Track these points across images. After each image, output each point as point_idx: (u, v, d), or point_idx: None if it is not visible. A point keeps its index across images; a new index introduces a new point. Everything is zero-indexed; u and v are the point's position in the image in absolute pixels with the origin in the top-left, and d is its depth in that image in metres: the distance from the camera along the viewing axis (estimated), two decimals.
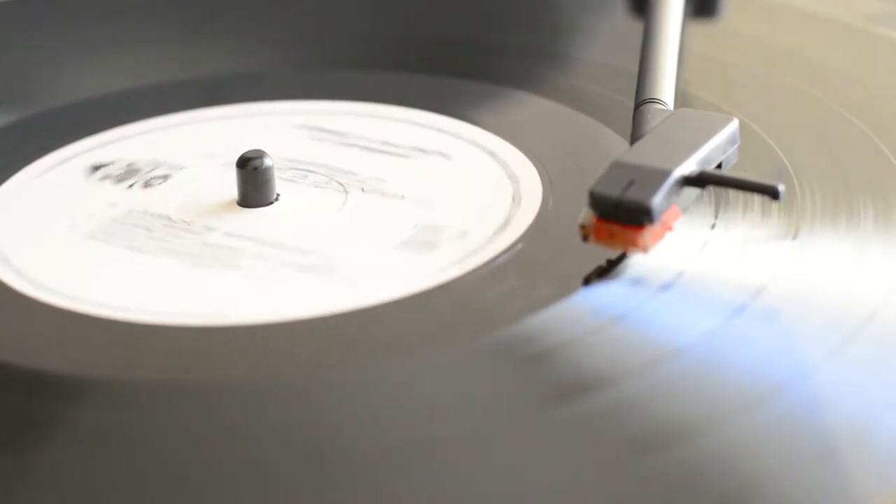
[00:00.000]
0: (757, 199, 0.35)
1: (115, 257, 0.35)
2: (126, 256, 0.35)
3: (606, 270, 0.33)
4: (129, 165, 0.40)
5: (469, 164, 0.39)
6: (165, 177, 0.39)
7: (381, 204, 0.37)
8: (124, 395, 0.30)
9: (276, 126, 0.41)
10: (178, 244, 0.35)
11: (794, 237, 0.34)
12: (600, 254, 0.33)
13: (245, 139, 0.40)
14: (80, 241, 0.36)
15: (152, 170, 0.39)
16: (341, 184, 0.38)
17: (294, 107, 0.43)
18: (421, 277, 0.33)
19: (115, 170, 0.39)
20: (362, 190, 0.38)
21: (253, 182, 0.37)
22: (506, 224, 0.35)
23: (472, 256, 0.34)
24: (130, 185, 0.38)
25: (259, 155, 0.37)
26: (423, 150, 0.40)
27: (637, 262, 0.33)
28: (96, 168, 0.40)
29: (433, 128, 0.41)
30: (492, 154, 0.39)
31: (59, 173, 0.40)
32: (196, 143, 0.41)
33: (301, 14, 0.49)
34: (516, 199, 0.36)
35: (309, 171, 0.39)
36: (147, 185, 0.38)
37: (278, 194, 0.37)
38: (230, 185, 0.37)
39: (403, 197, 0.37)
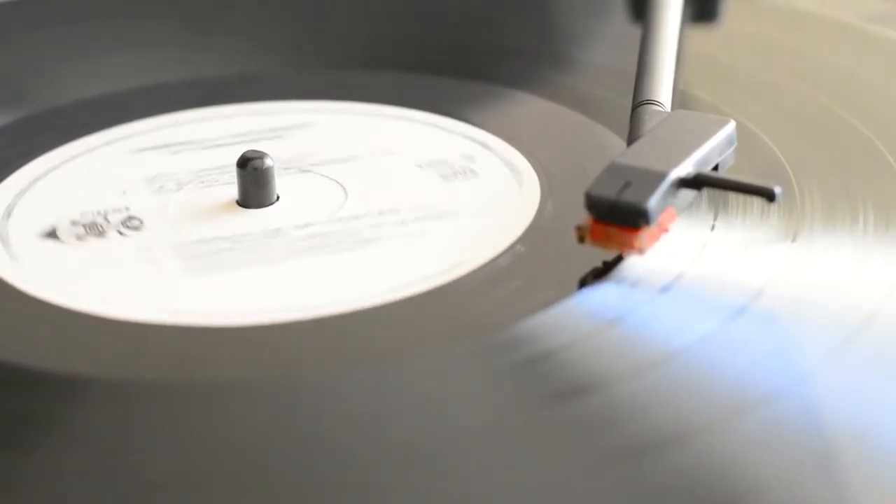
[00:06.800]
0: (756, 201, 0.35)
1: (115, 256, 0.35)
2: (127, 255, 0.35)
3: (603, 272, 0.33)
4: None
5: (467, 165, 0.39)
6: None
7: (379, 204, 0.37)
8: (124, 394, 0.30)
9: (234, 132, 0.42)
10: (178, 244, 0.35)
11: (794, 239, 0.34)
12: (598, 256, 0.33)
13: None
14: (80, 239, 0.36)
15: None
16: (341, 185, 0.38)
17: (291, 106, 0.43)
18: (418, 279, 0.33)
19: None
20: (363, 191, 0.38)
21: (253, 182, 0.37)
22: (503, 225, 0.35)
23: (470, 258, 0.34)
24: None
25: (259, 155, 0.37)
26: (420, 151, 0.40)
27: (635, 264, 0.33)
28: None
29: (431, 127, 0.41)
30: (489, 153, 0.39)
31: (61, 171, 0.40)
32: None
33: (297, 15, 0.49)
34: (515, 199, 0.37)
35: (312, 171, 0.39)
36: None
37: (278, 195, 0.37)
38: (233, 186, 0.37)
39: (400, 198, 0.37)
